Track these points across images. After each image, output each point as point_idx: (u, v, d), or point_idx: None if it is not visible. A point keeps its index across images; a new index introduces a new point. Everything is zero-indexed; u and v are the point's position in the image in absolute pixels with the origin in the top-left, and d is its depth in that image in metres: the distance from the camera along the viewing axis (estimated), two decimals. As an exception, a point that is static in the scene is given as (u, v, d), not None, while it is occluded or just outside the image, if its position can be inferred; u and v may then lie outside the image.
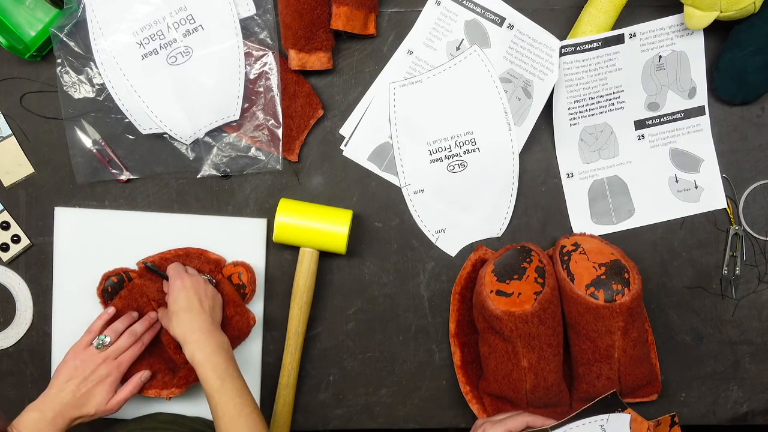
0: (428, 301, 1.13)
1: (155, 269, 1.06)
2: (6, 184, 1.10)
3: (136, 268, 1.09)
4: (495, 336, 1.02)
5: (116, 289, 1.07)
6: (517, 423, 0.95)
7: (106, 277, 1.07)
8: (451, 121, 1.10)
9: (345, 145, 1.12)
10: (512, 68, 1.09)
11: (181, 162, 1.10)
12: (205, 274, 1.07)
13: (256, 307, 1.11)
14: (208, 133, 1.09)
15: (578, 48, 1.06)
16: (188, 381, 1.05)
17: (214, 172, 1.10)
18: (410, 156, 1.11)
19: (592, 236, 1.08)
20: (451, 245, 1.13)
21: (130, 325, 1.03)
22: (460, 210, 1.12)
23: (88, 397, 0.97)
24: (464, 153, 1.11)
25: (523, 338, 0.99)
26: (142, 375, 1.02)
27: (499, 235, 1.13)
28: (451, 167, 1.11)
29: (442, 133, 1.10)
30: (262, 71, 1.08)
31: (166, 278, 1.04)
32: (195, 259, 1.08)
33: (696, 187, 1.13)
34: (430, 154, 1.11)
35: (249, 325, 1.08)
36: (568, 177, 1.13)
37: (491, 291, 1.00)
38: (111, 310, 1.05)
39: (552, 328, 1.00)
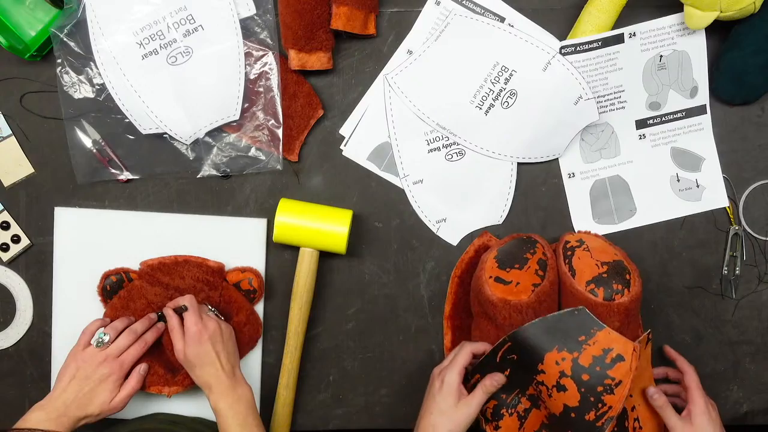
0: (428, 301, 1.13)
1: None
2: (6, 184, 1.10)
3: (136, 268, 1.09)
4: (488, 322, 1.02)
5: (115, 288, 1.07)
6: (463, 356, 0.96)
7: (106, 275, 1.07)
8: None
9: (345, 145, 1.12)
10: (512, 68, 1.09)
11: (181, 162, 1.10)
12: (211, 308, 1.06)
13: (257, 307, 1.11)
14: (208, 133, 1.09)
15: (578, 48, 1.06)
16: (192, 381, 1.04)
17: (214, 172, 1.10)
18: (408, 147, 1.11)
19: (596, 235, 1.08)
20: (452, 235, 1.13)
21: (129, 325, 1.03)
22: (460, 198, 1.12)
23: (91, 397, 0.96)
24: (462, 141, 1.10)
25: (515, 328, 0.98)
26: (140, 368, 1.01)
27: (500, 222, 1.13)
28: (449, 156, 1.11)
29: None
30: (262, 71, 1.08)
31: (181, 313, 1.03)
32: (195, 267, 1.07)
33: (698, 186, 1.13)
34: (428, 144, 1.11)
35: (259, 332, 1.09)
36: (569, 177, 1.13)
37: (490, 276, 1.00)
38: (107, 320, 1.04)
39: None
